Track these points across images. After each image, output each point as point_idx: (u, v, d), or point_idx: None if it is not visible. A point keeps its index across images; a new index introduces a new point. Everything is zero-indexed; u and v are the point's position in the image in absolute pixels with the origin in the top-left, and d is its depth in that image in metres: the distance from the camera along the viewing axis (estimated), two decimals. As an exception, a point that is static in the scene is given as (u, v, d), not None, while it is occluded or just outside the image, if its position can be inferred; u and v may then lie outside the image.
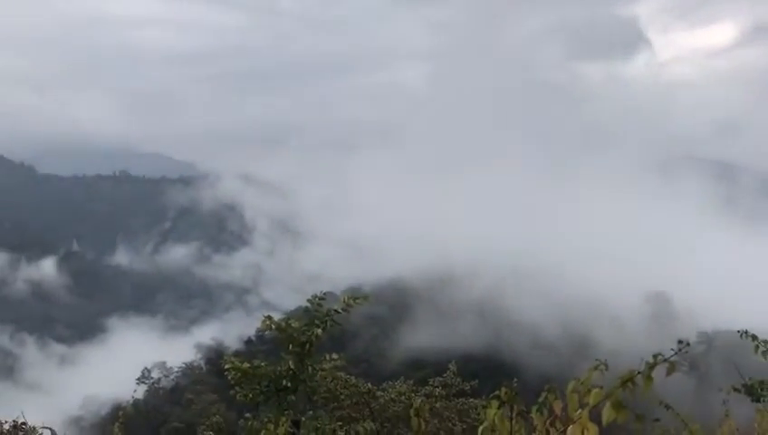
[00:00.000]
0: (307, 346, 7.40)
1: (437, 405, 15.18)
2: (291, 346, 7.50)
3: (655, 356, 2.86)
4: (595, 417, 2.92)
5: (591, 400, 2.83)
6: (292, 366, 7.41)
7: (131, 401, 75.61)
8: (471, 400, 15.92)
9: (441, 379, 16.26)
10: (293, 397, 7.41)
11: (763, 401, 4.39)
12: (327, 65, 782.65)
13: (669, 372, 2.87)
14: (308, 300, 7.77)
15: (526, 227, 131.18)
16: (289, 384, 7.32)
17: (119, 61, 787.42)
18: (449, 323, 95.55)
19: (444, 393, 15.78)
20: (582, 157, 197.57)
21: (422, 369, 64.16)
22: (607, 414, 2.77)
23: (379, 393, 15.22)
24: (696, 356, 77.69)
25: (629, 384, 2.79)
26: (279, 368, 7.53)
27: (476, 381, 17.93)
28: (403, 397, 15.07)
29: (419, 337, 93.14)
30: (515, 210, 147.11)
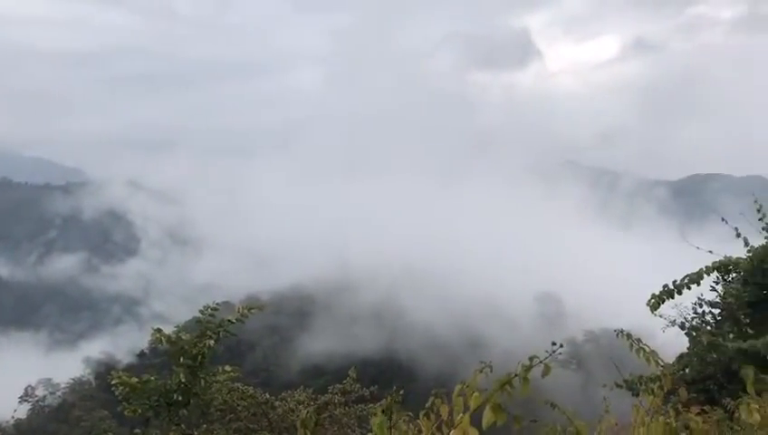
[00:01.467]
0: (199, 358, 7.16)
1: (337, 412, 15.14)
2: (182, 359, 7.23)
3: (531, 358, 2.94)
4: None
5: (472, 404, 2.87)
6: (183, 379, 7.14)
7: (12, 422, 70.73)
8: (370, 405, 15.96)
9: (340, 386, 16.21)
10: (185, 411, 7.14)
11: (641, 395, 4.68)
12: (223, 70, 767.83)
13: (545, 373, 2.95)
14: (200, 311, 7.52)
15: (421, 231, 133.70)
16: (180, 398, 7.06)
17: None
18: (348, 329, 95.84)
19: (343, 400, 15.74)
20: (475, 162, 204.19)
21: (322, 376, 64.00)
22: (486, 417, 2.81)
23: (277, 403, 14.99)
24: (584, 354, 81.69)
25: (507, 387, 2.85)
26: (169, 382, 7.24)
27: (376, 386, 18.01)
28: (302, 406, 14.92)
29: (319, 344, 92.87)
30: (411, 214, 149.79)
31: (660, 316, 12.89)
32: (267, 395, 15.05)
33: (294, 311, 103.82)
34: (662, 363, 4.45)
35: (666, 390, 4.37)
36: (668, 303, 12.72)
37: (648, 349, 4.48)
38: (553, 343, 3.06)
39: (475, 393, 2.87)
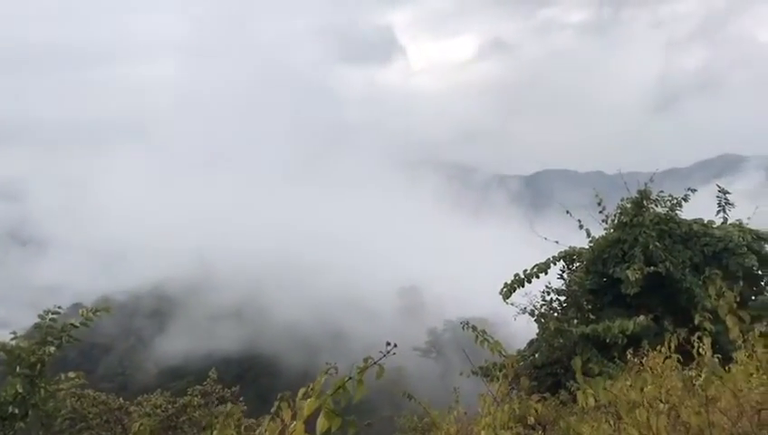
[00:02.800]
0: (38, 367, 6.59)
1: (197, 414, 14.66)
2: (18, 368, 6.62)
3: (365, 359, 2.93)
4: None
5: (306, 410, 2.82)
6: (20, 390, 6.54)
7: None
8: (231, 405, 15.60)
9: (201, 387, 15.70)
10: (23, 424, 6.55)
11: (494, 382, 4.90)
12: (70, 56, 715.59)
13: (378, 375, 2.94)
14: (39, 315, 6.92)
15: (283, 226, 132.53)
16: (17, 410, 6.45)
17: None
18: (209, 329, 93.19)
19: (203, 402, 15.27)
20: (337, 156, 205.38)
21: (182, 378, 61.71)
22: (320, 424, 2.76)
23: (132, 409, 14.26)
24: (443, 343, 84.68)
25: (341, 390, 2.81)
26: (3, 393, 6.61)
27: (238, 386, 17.63)
28: (159, 410, 14.31)
29: (178, 345, 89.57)
30: (272, 208, 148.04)
31: (512, 304, 13.57)
32: (121, 400, 14.32)
33: (152, 311, 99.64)
34: (505, 353, 4.65)
35: (510, 378, 4.57)
36: (520, 291, 13.48)
37: (491, 339, 4.67)
38: (388, 343, 3.07)
39: (309, 399, 2.82)
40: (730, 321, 3.89)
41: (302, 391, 2.93)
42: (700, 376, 4.64)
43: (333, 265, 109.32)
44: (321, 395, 2.82)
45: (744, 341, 4.51)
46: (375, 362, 2.91)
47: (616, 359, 10.35)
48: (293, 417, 2.97)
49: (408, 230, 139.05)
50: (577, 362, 3.89)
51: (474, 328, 4.80)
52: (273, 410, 3.09)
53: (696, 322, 4.65)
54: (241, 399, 15.69)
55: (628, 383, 3.88)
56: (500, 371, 4.87)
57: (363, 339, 78.57)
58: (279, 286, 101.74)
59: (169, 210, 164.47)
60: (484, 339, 4.67)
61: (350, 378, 2.83)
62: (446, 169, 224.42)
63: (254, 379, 76.43)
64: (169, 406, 14.42)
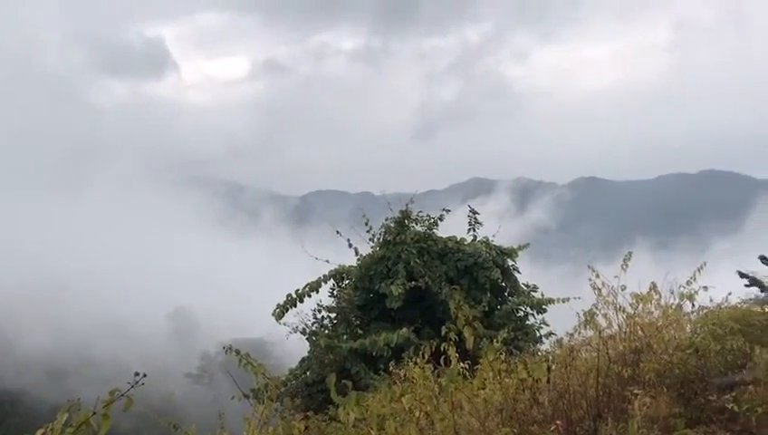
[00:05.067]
0: None
1: None
2: None
3: (111, 392, 2.82)
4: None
5: None
6: None
7: None
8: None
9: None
10: None
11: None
12: None
13: (126, 407, 2.86)
14: None
15: (35, 249, 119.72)
16: None
17: None
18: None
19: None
20: (98, 174, 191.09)
21: None
22: None
23: None
24: (217, 367, 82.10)
25: (85, 426, 2.69)
26: None
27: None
28: None
29: None
30: (23, 230, 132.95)
31: (285, 324, 13.72)
32: None
33: None
34: (268, 375, 4.74)
35: (274, 399, 4.66)
36: (293, 310, 13.69)
37: (255, 362, 4.73)
38: (136, 374, 2.99)
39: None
40: (466, 332, 4.35)
41: (39, 432, 2.72)
42: (471, 382, 5.12)
43: (93, 290, 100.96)
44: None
45: (485, 349, 5.06)
46: (122, 395, 2.78)
47: (381, 371, 10.86)
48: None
49: (177, 250, 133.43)
50: (331, 380, 4.08)
51: (237, 352, 4.81)
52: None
53: (443, 332, 5.10)
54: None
55: (381, 396, 4.15)
56: (265, 392, 4.93)
57: (127, 367, 73.35)
58: (31, 318, 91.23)
59: None
60: (248, 362, 4.70)
61: (95, 413, 2.68)
62: (218, 187, 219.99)
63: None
64: None
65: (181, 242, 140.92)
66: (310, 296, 13.80)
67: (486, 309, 13.52)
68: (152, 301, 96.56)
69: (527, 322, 14.22)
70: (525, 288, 14.72)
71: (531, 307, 14.18)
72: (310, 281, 13.68)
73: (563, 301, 13.51)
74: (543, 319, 14.23)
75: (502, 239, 15.25)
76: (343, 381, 4.72)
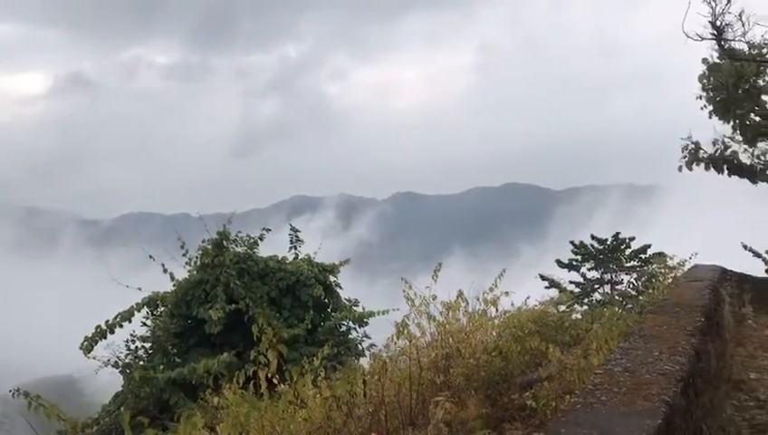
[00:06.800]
0: None
1: None
2: None
3: None
4: None
5: None
6: None
7: None
8: None
9: None
10: None
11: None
12: None
13: None
14: None
15: None
16: None
17: None
18: None
19: None
20: None
21: None
22: None
23: None
24: (18, 410, 74.36)
25: None
26: None
27: None
28: None
29: None
30: None
31: (95, 358, 12.75)
32: None
33: None
34: (64, 417, 4.39)
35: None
36: (103, 342, 12.73)
37: (47, 404, 4.36)
38: None
39: None
40: (270, 355, 4.32)
41: None
42: (277, 405, 5.03)
43: None
44: None
45: (290, 370, 5.03)
46: None
47: (201, 400, 10.42)
48: None
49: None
50: (125, 418, 3.86)
51: (26, 394, 4.39)
52: None
53: (252, 357, 5.01)
54: None
55: (182, 429, 3.99)
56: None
57: None
58: None
59: None
60: (39, 404, 4.30)
61: None
62: (10, 211, 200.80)
63: None
64: None
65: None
66: (122, 327, 12.96)
67: (309, 326, 13.55)
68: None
69: (350, 336, 14.43)
70: (347, 303, 14.93)
71: (353, 321, 14.42)
72: (121, 311, 12.85)
73: (383, 313, 13.88)
74: (365, 332, 14.53)
75: (328, 256, 15.39)
76: (138, 418, 4.46)
